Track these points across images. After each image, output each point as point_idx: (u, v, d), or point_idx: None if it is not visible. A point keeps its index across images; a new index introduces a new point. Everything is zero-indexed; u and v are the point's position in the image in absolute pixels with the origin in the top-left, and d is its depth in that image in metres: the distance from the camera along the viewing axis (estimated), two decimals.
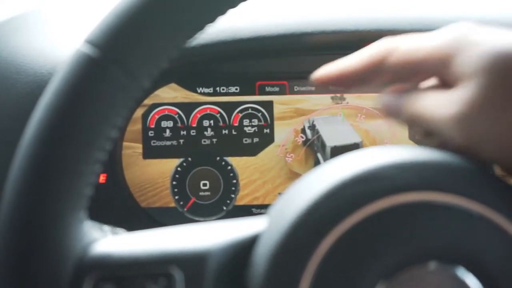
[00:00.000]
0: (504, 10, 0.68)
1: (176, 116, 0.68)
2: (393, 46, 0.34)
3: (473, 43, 0.30)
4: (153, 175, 0.67)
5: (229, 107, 0.68)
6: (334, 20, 0.64)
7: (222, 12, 0.32)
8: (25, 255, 0.29)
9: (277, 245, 0.29)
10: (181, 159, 0.68)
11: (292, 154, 0.68)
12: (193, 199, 0.68)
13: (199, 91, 0.68)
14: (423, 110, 0.32)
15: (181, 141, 0.68)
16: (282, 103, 0.68)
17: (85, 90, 0.30)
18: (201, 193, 0.68)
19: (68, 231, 0.30)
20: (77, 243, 0.30)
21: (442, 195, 0.29)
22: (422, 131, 0.37)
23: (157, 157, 0.68)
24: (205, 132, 0.68)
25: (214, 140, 0.68)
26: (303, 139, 0.69)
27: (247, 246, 0.32)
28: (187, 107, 0.68)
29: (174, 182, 0.68)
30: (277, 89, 0.68)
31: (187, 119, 0.68)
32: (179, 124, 0.68)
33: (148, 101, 0.67)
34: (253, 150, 0.68)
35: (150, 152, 0.68)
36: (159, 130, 0.68)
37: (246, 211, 0.68)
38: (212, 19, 0.32)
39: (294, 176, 0.68)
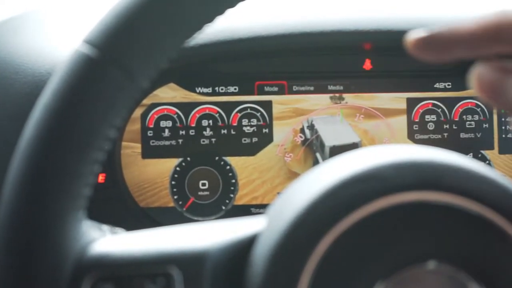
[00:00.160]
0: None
1: (175, 116, 0.68)
2: None
3: None
4: (152, 175, 0.67)
5: (228, 107, 0.68)
6: (333, 20, 0.64)
7: (221, 12, 0.32)
8: (24, 255, 0.29)
9: (276, 245, 0.29)
10: (180, 159, 0.68)
11: (291, 154, 0.68)
12: (192, 199, 0.68)
13: (198, 91, 0.68)
14: None
15: (180, 141, 0.68)
16: (281, 103, 0.68)
17: (83, 90, 0.30)
18: (200, 193, 0.68)
19: (67, 231, 0.30)
20: (76, 243, 0.30)
21: (441, 195, 0.29)
22: None
23: (156, 157, 0.68)
24: (204, 132, 0.68)
25: (213, 140, 0.68)
26: (302, 139, 0.69)
27: (246, 245, 0.32)
28: (186, 107, 0.68)
29: (173, 182, 0.68)
30: (276, 89, 0.68)
31: (186, 119, 0.68)
32: (178, 124, 0.68)
33: (147, 101, 0.67)
34: (252, 150, 0.68)
35: (149, 152, 0.68)
36: (158, 130, 0.68)
37: (245, 210, 0.68)
38: (211, 19, 0.32)
39: (293, 175, 0.68)
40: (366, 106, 0.69)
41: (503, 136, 0.69)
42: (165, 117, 0.68)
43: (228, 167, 0.68)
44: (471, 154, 0.69)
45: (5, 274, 0.29)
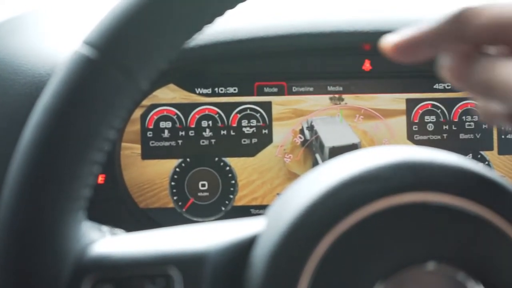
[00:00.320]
0: None
1: (174, 117, 0.68)
2: (476, 9, 0.30)
3: None
4: (152, 175, 0.67)
5: (227, 108, 0.68)
6: (332, 21, 0.64)
7: (220, 13, 0.32)
8: (23, 256, 0.29)
9: (275, 246, 0.29)
10: (180, 160, 0.68)
11: (290, 155, 0.68)
12: (191, 200, 0.68)
13: (197, 92, 0.68)
14: (502, 78, 0.29)
15: (180, 141, 0.68)
16: (280, 103, 0.68)
17: (83, 91, 0.30)
18: (200, 194, 0.68)
19: (67, 232, 0.30)
20: (76, 244, 0.30)
21: (440, 196, 0.29)
22: (492, 102, 0.32)
23: (156, 158, 0.68)
24: (204, 133, 0.68)
25: (213, 140, 0.68)
26: (302, 140, 0.69)
27: (245, 246, 0.32)
28: (186, 108, 0.68)
29: (172, 183, 0.68)
30: (275, 89, 0.68)
31: (186, 119, 0.68)
32: (178, 125, 0.68)
33: (146, 102, 0.67)
34: (251, 151, 0.68)
35: (148, 153, 0.68)
36: (158, 131, 0.68)
37: (245, 211, 0.68)
38: (210, 20, 0.32)
39: (292, 176, 0.68)
40: (366, 107, 0.69)
41: (503, 137, 0.70)
42: (165, 118, 0.68)
43: (227, 168, 0.68)
44: (471, 154, 0.69)
45: (5, 276, 0.29)
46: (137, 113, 0.67)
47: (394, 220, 0.29)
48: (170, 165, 0.68)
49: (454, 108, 0.69)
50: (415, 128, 0.69)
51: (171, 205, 0.68)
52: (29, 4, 0.70)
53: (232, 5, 0.32)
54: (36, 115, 0.30)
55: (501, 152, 0.69)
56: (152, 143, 0.68)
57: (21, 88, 0.59)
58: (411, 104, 0.69)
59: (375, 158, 0.31)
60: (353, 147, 0.69)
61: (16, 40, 0.63)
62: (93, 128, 0.30)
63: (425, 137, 0.69)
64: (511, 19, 0.29)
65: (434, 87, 0.69)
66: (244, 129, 0.68)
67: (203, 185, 0.68)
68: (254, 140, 0.68)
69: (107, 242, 0.32)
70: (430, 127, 0.69)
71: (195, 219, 0.68)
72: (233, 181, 0.68)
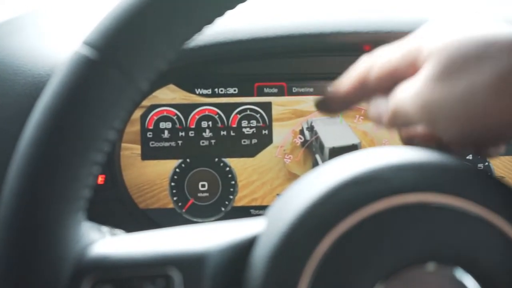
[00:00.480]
0: (502, 9, 0.68)
1: (174, 117, 0.68)
2: (371, 62, 0.37)
3: (435, 34, 0.33)
4: (152, 176, 0.67)
5: (227, 108, 0.68)
6: (332, 22, 0.64)
7: (220, 13, 0.32)
8: (23, 257, 0.29)
9: (275, 247, 0.29)
10: (180, 160, 0.68)
11: (290, 155, 0.68)
12: (191, 200, 0.68)
13: (197, 92, 0.68)
14: (396, 102, 0.35)
15: (180, 142, 0.68)
16: (280, 104, 0.68)
17: (83, 91, 0.30)
18: (200, 194, 0.68)
19: (67, 232, 0.30)
20: (76, 244, 0.30)
21: (440, 196, 0.29)
22: (404, 128, 0.39)
23: (156, 158, 0.68)
24: (204, 133, 0.68)
25: (213, 141, 0.68)
26: (302, 140, 0.69)
27: (245, 247, 0.32)
28: (186, 108, 0.68)
29: (172, 183, 0.68)
30: (275, 90, 0.68)
31: (186, 120, 0.68)
32: (178, 125, 0.68)
33: (146, 102, 0.67)
34: (251, 151, 0.68)
35: (148, 153, 0.68)
36: (158, 131, 0.68)
37: (245, 212, 0.68)
38: (210, 21, 0.32)
39: (292, 177, 0.68)
40: (366, 108, 0.69)
41: None
42: (165, 119, 0.68)
43: (227, 168, 0.68)
44: (470, 155, 0.69)
45: (5, 276, 0.29)
46: (137, 113, 0.67)
47: (394, 220, 0.29)
48: (170, 165, 0.68)
49: None
50: None
51: (171, 205, 0.68)
52: (28, 5, 0.70)
53: (232, 6, 0.32)
54: (36, 116, 0.30)
55: (501, 153, 0.69)
56: (152, 144, 0.68)
57: (21, 88, 0.59)
58: None
59: (375, 159, 0.31)
60: (353, 147, 0.69)
61: (16, 40, 0.63)
62: (93, 129, 0.30)
63: None
64: (395, 64, 0.35)
65: None
66: (244, 129, 0.68)
67: (203, 186, 0.68)
68: (254, 141, 0.68)
69: (107, 243, 0.32)
70: None
71: (195, 219, 0.68)
72: (233, 182, 0.68)
